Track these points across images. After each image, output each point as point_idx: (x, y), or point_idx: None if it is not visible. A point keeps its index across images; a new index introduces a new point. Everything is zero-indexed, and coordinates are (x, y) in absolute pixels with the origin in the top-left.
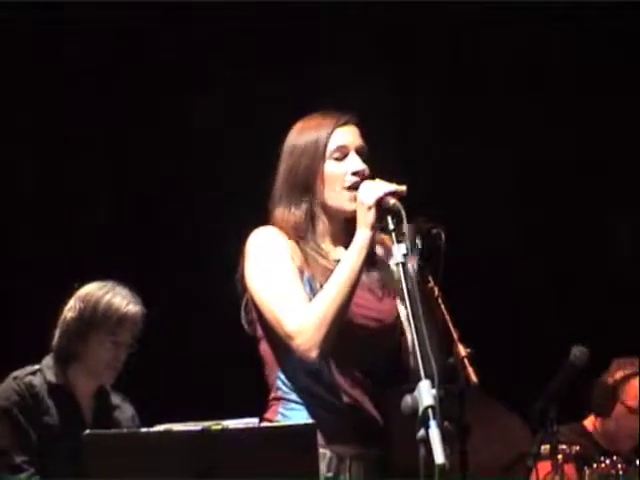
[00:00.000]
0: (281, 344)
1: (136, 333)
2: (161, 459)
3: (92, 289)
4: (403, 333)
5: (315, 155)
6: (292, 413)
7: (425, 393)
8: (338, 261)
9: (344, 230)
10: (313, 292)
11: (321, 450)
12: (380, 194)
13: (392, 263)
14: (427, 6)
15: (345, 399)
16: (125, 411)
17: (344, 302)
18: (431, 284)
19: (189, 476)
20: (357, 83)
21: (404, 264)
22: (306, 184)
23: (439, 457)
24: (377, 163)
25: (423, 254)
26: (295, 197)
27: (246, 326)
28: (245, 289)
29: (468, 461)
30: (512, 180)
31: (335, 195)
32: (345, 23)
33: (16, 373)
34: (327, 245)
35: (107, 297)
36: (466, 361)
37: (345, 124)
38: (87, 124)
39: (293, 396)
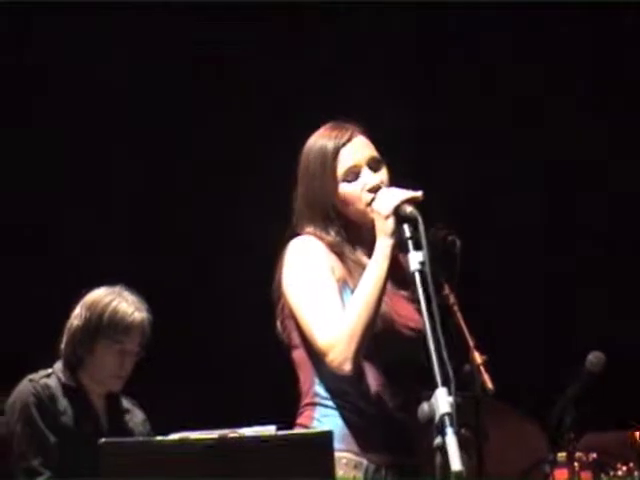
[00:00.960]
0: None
1: (143, 340)
2: (177, 468)
3: (99, 296)
4: None
5: (325, 181)
6: (327, 419)
7: (441, 400)
8: None
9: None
10: None
11: (358, 458)
12: (396, 202)
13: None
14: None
15: (380, 407)
16: (136, 415)
17: (372, 313)
18: (446, 291)
19: None
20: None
21: (421, 272)
22: (326, 208)
23: (456, 464)
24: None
25: (438, 261)
26: (320, 221)
27: (280, 332)
28: (280, 296)
29: (485, 467)
30: (518, 185)
31: (358, 213)
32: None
33: (31, 376)
34: (365, 258)
35: (113, 304)
36: (482, 368)
37: (349, 140)
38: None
39: (329, 402)
